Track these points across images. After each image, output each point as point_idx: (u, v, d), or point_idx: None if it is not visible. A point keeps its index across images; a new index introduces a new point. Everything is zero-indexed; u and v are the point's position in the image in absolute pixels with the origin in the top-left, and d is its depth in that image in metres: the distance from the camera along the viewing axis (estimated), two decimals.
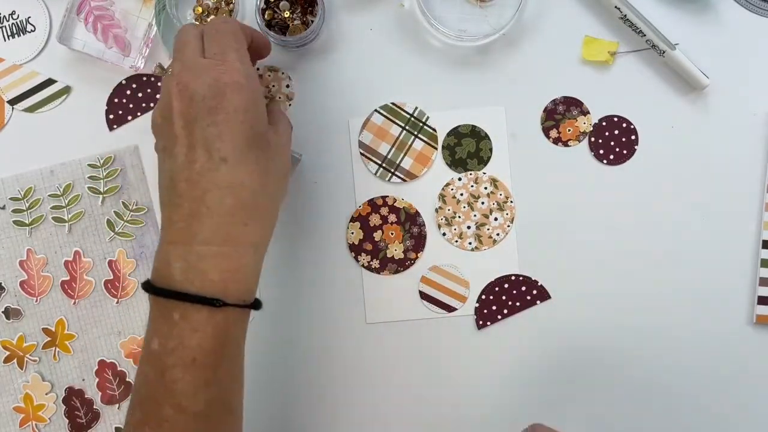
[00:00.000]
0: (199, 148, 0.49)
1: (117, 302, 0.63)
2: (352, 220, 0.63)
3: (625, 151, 0.63)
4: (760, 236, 0.62)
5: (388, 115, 0.63)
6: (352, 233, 0.63)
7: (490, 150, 0.63)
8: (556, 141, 0.63)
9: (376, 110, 0.63)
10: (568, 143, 0.63)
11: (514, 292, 0.63)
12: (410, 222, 0.63)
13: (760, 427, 0.61)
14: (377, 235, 0.63)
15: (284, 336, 0.63)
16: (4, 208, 0.63)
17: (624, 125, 0.63)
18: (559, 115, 0.63)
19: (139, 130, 0.63)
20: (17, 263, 0.63)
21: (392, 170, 0.63)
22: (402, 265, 0.63)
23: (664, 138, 0.63)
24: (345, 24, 0.63)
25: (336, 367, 0.63)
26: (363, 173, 0.63)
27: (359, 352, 0.63)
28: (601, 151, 0.63)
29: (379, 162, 0.63)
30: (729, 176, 0.63)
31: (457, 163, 0.63)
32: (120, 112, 0.63)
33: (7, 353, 0.63)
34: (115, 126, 0.63)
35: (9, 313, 0.63)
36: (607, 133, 0.63)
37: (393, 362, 0.63)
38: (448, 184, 0.63)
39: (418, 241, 0.63)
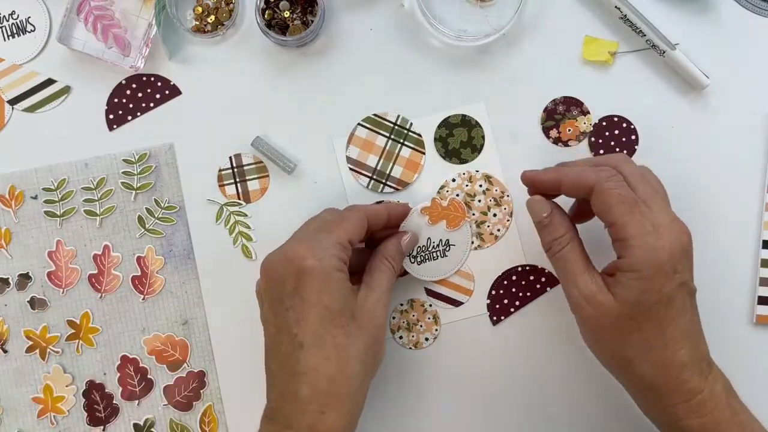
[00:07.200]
0: (283, 332, 0.50)
1: (143, 299, 0.63)
2: None
3: (625, 151, 0.63)
4: (760, 236, 0.62)
5: (372, 127, 0.63)
6: None
7: (483, 137, 0.63)
8: (556, 141, 0.63)
9: (359, 123, 0.63)
10: (568, 143, 0.63)
11: (523, 282, 0.63)
12: None
13: None
14: None
15: None
16: (36, 198, 0.63)
17: (624, 125, 0.63)
18: (559, 115, 0.63)
19: (140, 130, 0.63)
20: (46, 254, 0.63)
21: (383, 181, 0.63)
22: None
23: (664, 138, 0.63)
24: (345, 24, 0.63)
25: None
26: (355, 188, 0.63)
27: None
28: (601, 151, 0.63)
29: (370, 174, 0.63)
30: (729, 176, 0.63)
31: (450, 154, 0.63)
32: (120, 112, 0.63)
33: (30, 343, 0.63)
34: (115, 126, 0.63)
35: (35, 303, 0.63)
36: (607, 133, 0.63)
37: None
38: (442, 187, 0.63)
39: None
